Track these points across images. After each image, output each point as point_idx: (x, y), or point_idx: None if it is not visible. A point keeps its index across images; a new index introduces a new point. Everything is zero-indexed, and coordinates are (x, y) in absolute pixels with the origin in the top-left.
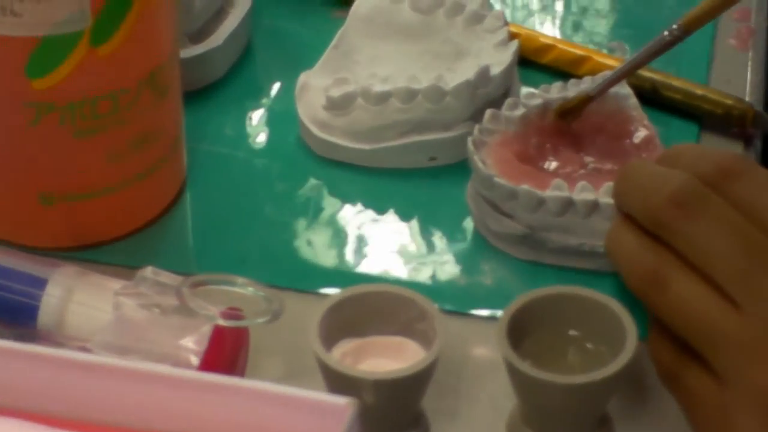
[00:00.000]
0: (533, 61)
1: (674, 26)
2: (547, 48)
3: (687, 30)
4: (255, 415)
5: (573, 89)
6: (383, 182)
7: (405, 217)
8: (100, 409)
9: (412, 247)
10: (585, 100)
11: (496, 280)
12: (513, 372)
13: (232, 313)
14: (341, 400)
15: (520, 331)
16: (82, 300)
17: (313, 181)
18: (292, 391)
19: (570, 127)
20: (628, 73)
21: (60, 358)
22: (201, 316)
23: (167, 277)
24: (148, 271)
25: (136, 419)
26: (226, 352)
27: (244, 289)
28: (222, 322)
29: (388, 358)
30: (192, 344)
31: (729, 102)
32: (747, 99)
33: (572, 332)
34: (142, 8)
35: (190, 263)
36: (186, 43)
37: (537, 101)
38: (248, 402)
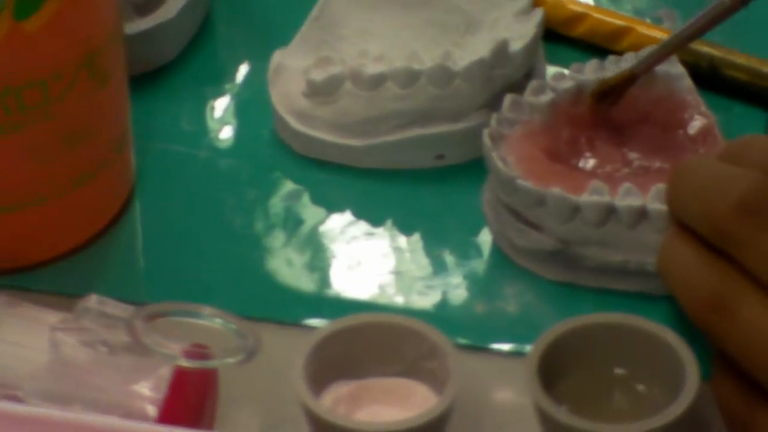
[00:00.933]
0: (562, 35)
1: None
2: (579, 17)
3: None
4: None
5: (612, 68)
6: (379, 186)
7: (406, 229)
8: None
9: (416, 267)
10: (628, 79)
11: (521, 307)
12: (546, 420)
13: (197, 352)
14: None
15: (554, 370)
16: (11, 337)
17: (292, 186)
18: None
19: (610, 116)
20: (679, 47)
21: None
22: (158, 355)
23: (116, 308)
24: (92, 301)
25: None
26: (190, 400)
27: (212, 321)
28: (185, 363)
29: (392, 405)
30: (147, 390)
31: None
32: None
33: (618, 371)
34: None
35: (141, 290)
36: (131, 16)
37: (568, 84)
38: None
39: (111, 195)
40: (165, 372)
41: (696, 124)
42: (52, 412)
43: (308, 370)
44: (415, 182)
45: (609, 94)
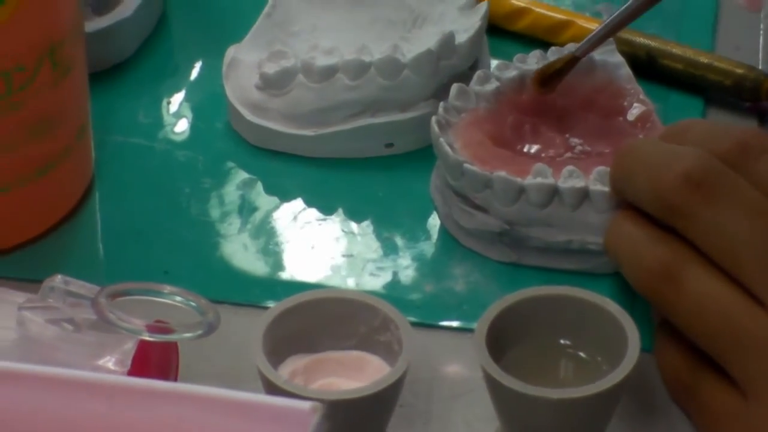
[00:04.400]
0: (505, 29)
1: None
2: (521, 12)
3: None
4: (207, 426)
5: (554, 58)
6: (330, 175)
7: (358, 215)
8: (13, 426)
9: (368, 251)
10: (569, 62)
11: (469, 286)
12: (495, 388)
13: (160, 327)
14: (305, 405)
15: (502, 342)
16: None
17: (246, 176)
18: (249, 396)
19: (553, 103)
20: (617, 29)
21: None
22: (123, 330)
23: (81, 287)
24: (57, 281)
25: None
26: (153, 373)
27: (172, 299)
28: (148, 337)
29: (346, 376)
30: (112, 365)
31: (739, 71)
32: (760, 67)
33: (563, 341)
34: None
35: (102, 275)
36: (89, 15)
37: (512, 73)
38: (200, 411)
39: (72, 184)
40: (129, 347)
41: (635, 111)
42: (31, 367)
43: (266, 345)
44: (365, 170)
45: (551, 78)
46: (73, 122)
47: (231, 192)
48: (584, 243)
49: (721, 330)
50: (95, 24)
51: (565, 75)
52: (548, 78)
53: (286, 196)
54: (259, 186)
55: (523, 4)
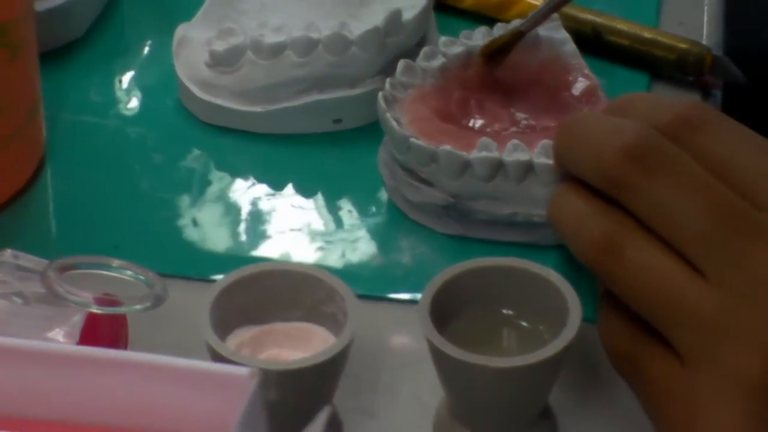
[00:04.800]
0: (451, 6)
1: None
2: None
3: None
4: (149, 392)
5: (498, 31)
6: (280, 150)
7: (307, 190)
8: None
9: (317, 225)
10: (515, 36)
11: (416, 259)
12: (439, 357)
13: (108, 300)
14: (243, 371)
15: (446, 312)
16: None
17: (197, 152)
18: (190, 363)
19: (499, 79)
20: (562, 4)
21: None
22: (71, 303)
23: (30, 261)
24: (7, 255)
25: (11, 406)
26: (102, 345)
27: (121, 272)
28: (96, 310)
29: (292, 347)
30: (62, 337)
31: (683, 46)
32: (703, 42)
33: (506, 311)
34: None
35: (52, 251)
36: None
37: (458, 49)
38: (144, 378)
39: (23, 161)
40: (78, 319)
41: (580, 86)
42: None
43: (213, 317)
44: (314, 146)
45: (497, 52)
46: (23, 102)
47: (181, 168)
48: (529, 216)
49: (662, 300)
50: (46, 3)
51: (510, 50)
52: (494, 52)
53: (236, 172)
54: (210, 162)
55: None
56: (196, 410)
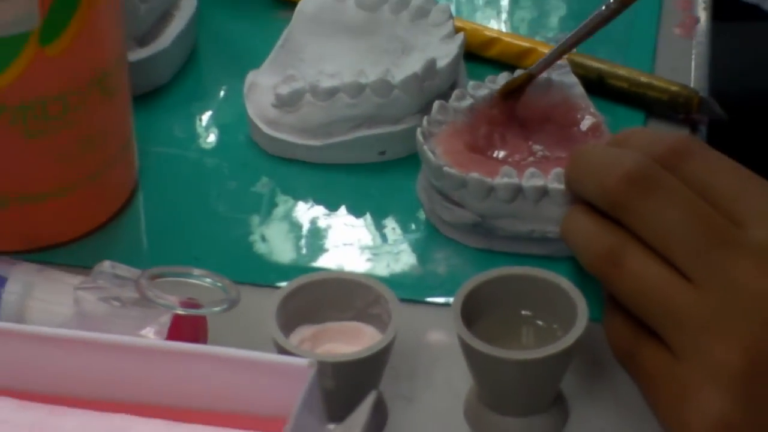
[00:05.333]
0: (479, 55)
1: (611, 0)
2: (493, 41)
3: (624, 2)
4: (225, 380)
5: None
6: (334, 178)
7: (357, 211)
8: (73, 383)
9: (366, 240)
10: (527, 78)
11: (449, 269)
12: (468, 351)
13: (190, 303)
14: (303, 361)
15: (474, 313)
16: (42, 296)
17: (264, 179)
18: (258, 355)
19: (518, 117)
20: (569, 48)
21: (33, 333)
22: (160, 306)
23: (125, 271)
24: (106, 265)
25: (106, 392)
26: (185, 341)
27: (201, 280)
28: (180, 311)
29: (345, 343)
30: (152, 334)
31: (674, 89)
32: (692, 86)
33: (524, 312)
34: (89, 9)
35: (144, 262)
36: (133, 46)
37: (484, 92)
38: (218, 368)
39: (119, 188)
40: (165, 320)
41: (587, 122)
42: (86, 334)
43: (279, 317)
44: (363, 174)
45: (513, 92)
46: (119, 137)
47: (252, 193)
48: (544, 232)
49: (657, 303)
50: (138, 54)
51: (524, 90)
52: (510, 92)
53: (297, 196)
54: (276, 188)
55: (494, 35)
56: (263, 395)
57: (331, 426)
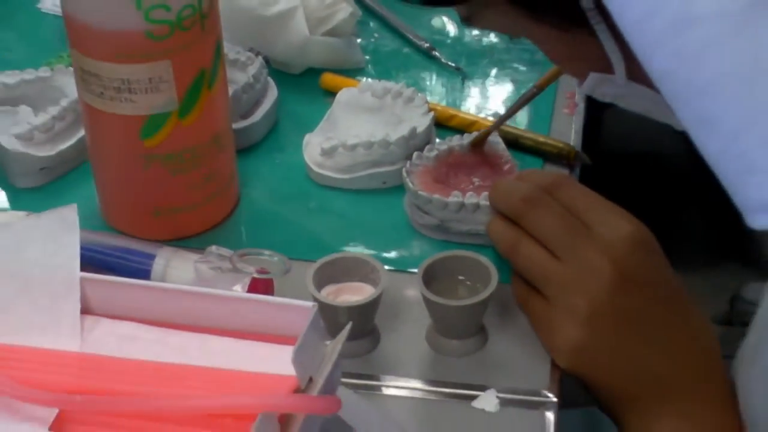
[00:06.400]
0: (444, 125)
1: (533, 86)
2: (452, 116)
3: (540, 87)
4: (264, 314)
5: (466, 138)
6: (355, 198)
7: (368, 217)
8: (178, 316)
9: (371, 234)
10: (487, 134)
11: (420, 252)
12: (427, 301)
13: (262, 270)
14: (309, 304)
15: (431, 278)
16: (176, 266)
17: (314, 199)
18: (278, 299)
19: (466, 162)
20: (508, 117)
21: (169, 288)
22: (244, 272)
23: (224, 251)
24: (213, 248)
25: (192, 320)
26: (260, 293)
27: (269, 257)
28: (256, 276)
29: (353, 295)
30: (239, 289)
31: (560, 145)
32: (571, 144)
33: (460, 277)
34: (208, 97)
35: (237, 247)
36: (237, 119)
37: (444, 147)
38: (261, 307)
39: (226, 204)
40: (247, 280)
41: (506, 165)
42: (177, 286)
43: (314, 280)
44: (372, 196)
45: (477, 144)
46: (227, 174)
47: (305, 207)
48: (478, 230)
49: (538, 272)
50: (240, 124)
51: (484, 143)
52: (477, 144)
53: (332, 209)
54: (320, 204)
55: (453, 113)
56: (287, 324)
57: (327, 342)
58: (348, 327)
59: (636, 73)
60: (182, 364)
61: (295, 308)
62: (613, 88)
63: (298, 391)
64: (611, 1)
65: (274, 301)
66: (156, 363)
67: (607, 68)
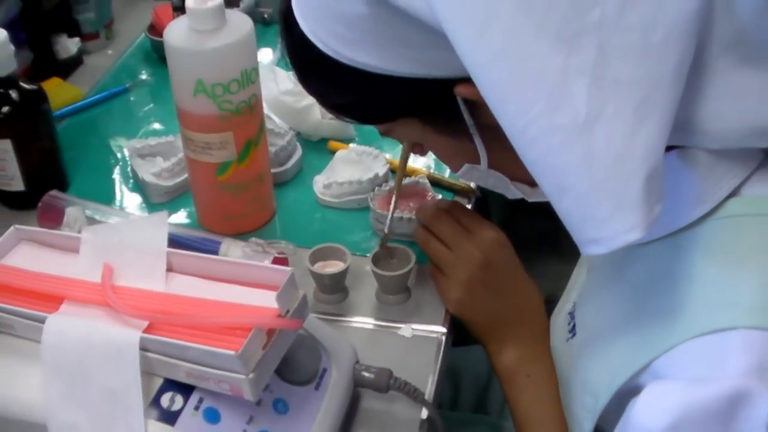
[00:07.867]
0: (395, 171)
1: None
2: (396, 167)
3: (402, 169)
4: (261, 275)
5: (407, 180)
6: (344, 213)
7: (349, 226)
8: (215, 272)
9: (348, 235)
10: (385, 240)
11: (374, 245)
12: (374, 273)
13: (281, 252)
14: (288, 269)
15: (377, 259)
16: (232, 251)
17: (318, 214)
18: (274, 266)
19: (407, 193)
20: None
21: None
22: (270, 254)
23: (259, 241)
24: (253, 239)
25: (222, 275)
26: (280, 265)
27: (286, 245)
28: (277, 255)
29: (333, 268)
30: (267, 262)
31: (464, 185)
32: (472, 185)
33: (394, 260)
34: (255, 153)
35: (269, 239)
36: (276, 166)
37: (391, 184)
38: (260, 270)
39: (266, 214)
40: (271, 258)
41: (429, 196)
42: (207, 256)
43: (311, 258)
44: (351, 212)
45: (385, 239)
46: (267, 196)
47: (313, 217)
48: (409, 233)
49: (440, 257)
50: (277, 169)
51: (388, 239)
52: (385, 240)
53: (328, 220)
54: (321, 216)
55: (397, 164)
56: (275, 280)
57: (300, 291)
58: (290, 275)
59: (494, 164)
60: (215, 300)
61: (281, 271)
62: (477, 174)
63: (279, 316)
64: (502, 118)
65: (272, 267)
66: (201, 299)
67: (475, 161)
